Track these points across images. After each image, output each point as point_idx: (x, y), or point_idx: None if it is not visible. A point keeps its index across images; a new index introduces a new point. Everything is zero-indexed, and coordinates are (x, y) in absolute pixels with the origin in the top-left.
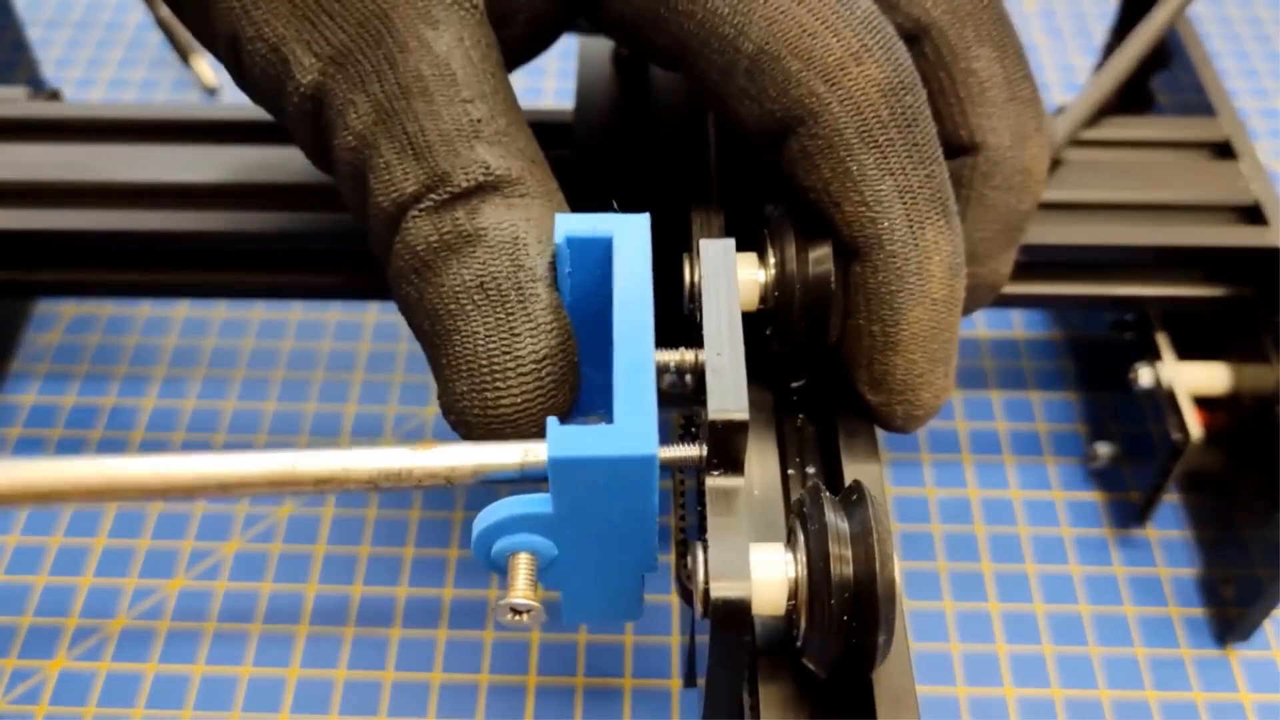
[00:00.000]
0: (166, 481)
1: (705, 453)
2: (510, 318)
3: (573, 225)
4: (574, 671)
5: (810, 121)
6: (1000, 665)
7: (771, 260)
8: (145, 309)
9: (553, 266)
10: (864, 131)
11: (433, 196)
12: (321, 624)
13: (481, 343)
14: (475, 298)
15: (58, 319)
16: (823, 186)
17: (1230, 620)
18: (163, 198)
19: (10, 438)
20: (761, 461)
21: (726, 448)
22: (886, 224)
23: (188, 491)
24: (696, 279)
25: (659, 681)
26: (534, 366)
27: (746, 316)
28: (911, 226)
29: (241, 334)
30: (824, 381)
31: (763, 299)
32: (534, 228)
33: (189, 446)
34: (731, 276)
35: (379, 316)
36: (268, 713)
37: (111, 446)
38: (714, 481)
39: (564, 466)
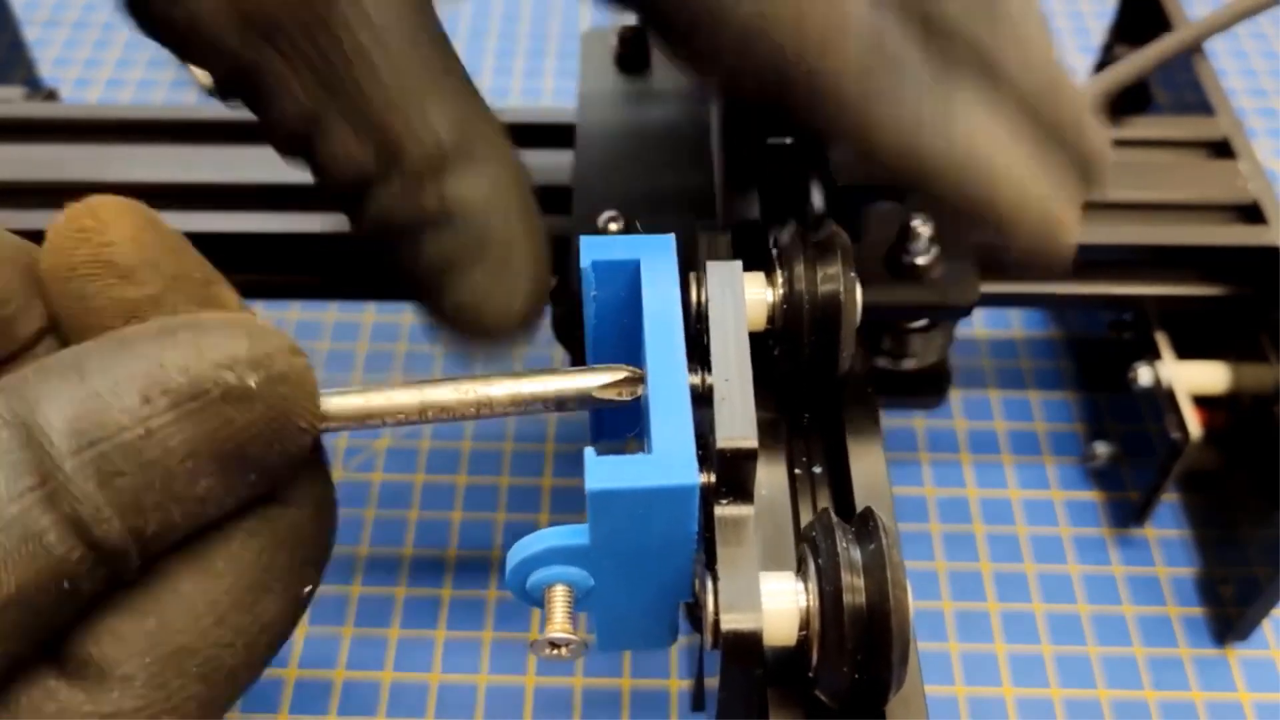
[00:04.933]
0: None
1: (714, 480)
2: (506, 265)
3: (598, 248)
4: (572, 671)
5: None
6: (999, 665)
7: (780, 279)
8: None
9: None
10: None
11: (394, 175)
12: (319, 624)
13: (480, 285)
14: (465, 256)
15: None
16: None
17: (1229, 619)
18: (158, 198)
19: None
20: (768, 463)
21: (736, 476)
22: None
23: None
24: (703, 299)
25: (657, 682)
26: (535, 286)
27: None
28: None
29: None
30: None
31: (770, 319)
32: (501, 191)
33: None
34: (739, 300)
35: (377, 317)
36: (266, 713)
37: None
38: (723, 510)
39: (603, 499)
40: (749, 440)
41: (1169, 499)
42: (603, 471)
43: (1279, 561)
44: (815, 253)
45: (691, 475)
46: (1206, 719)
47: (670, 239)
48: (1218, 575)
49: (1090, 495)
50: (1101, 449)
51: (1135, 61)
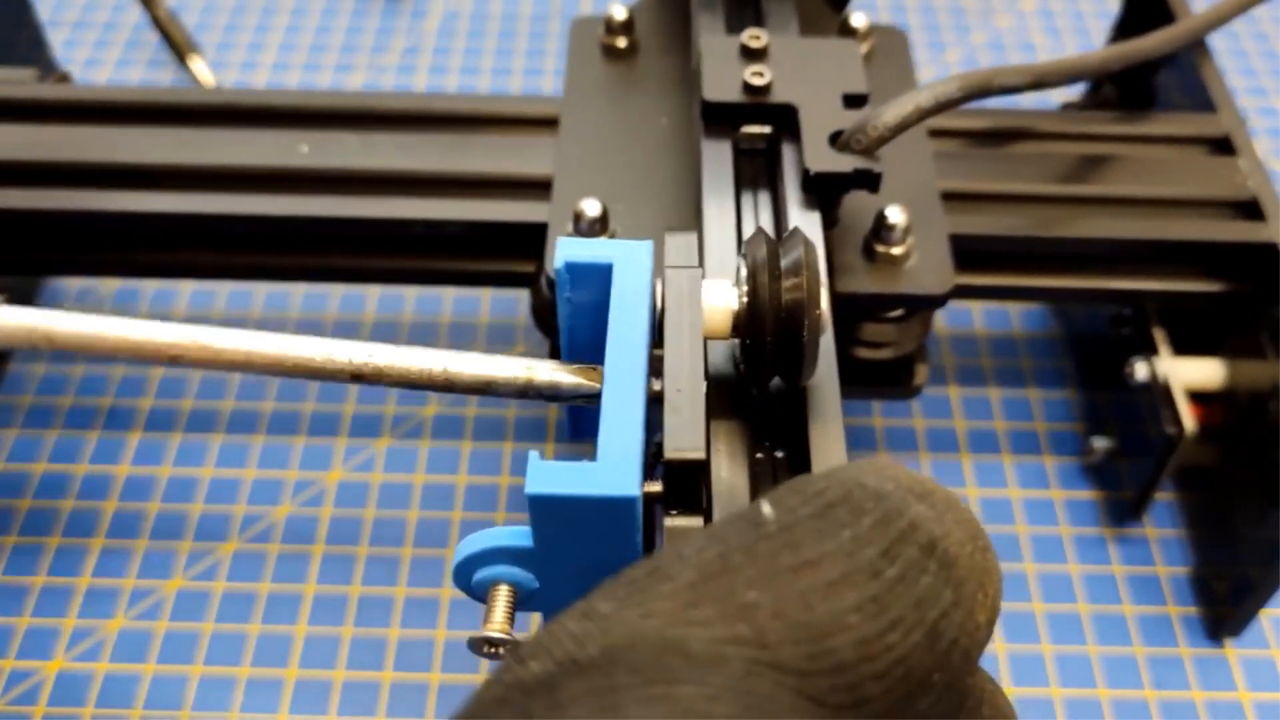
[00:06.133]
0: (214, 353)
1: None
2: None
3: (573, 250)
4: None
5: None
6: (999, 665)
7: (744, 287)
8: (144, 306)
9: None
10: None
11: None
12: (319, 624)
13: None
14: None
15: None
16: None
17: (1223, 616)
18: (167, 179)
19: (8, 438)
20: (729, 448)
21: (684, 487)
22: None
23: (237, 364)
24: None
25: None
26: None
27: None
28: None
29: None
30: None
31: (735, 327)
32: None
33: (187, 444)
34: (696, 308)
35: (377, 316)
36: (266, 713)
37: (108, 446)
38: (672, 522)
39: (543, 504)
40: (697, 451)
41: (1168, 498)
42: (544, 476)
43: (1275, 557)
44: (779, 261)
45: (633, 487)
46: (1206, 718)
47: (648, 245)
48: (1213, 571)
49: (1089, 494)
50: (1099, 443)
51: (1136, 46)
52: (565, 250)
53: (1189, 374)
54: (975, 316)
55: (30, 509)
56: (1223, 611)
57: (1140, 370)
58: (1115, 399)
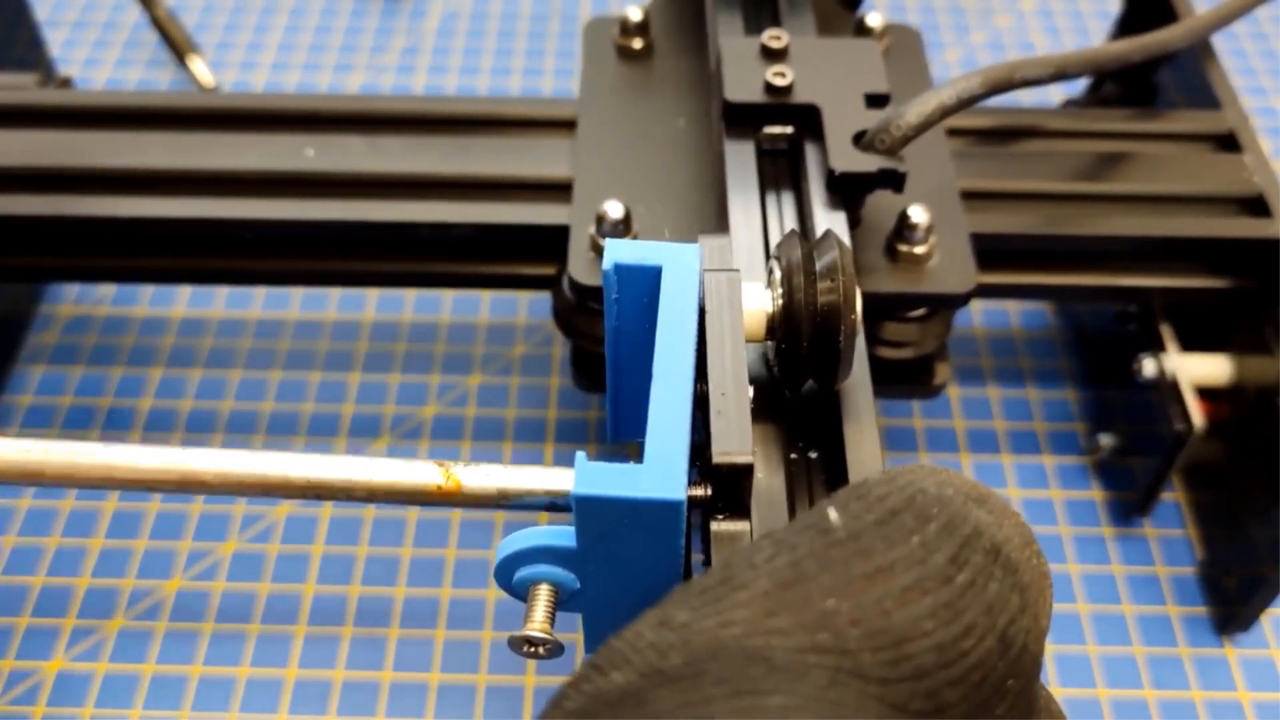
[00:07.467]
0: (184, 475)
1: (710, 493)
2: None
3: (622, 252)
4: (571, 671)
5: None
6: None
7: (779, 289)
8: (142, 309)
9: None
10: None
11: None
12: (319, 624)
13: None
14: None
15: (55, 320)
16: None
17: (1231, 613)
18: (169, 184)
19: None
20: (765, 449)
21: (731, 490)
22: None
23: (220, 488)
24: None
25: None
26: None
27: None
28: None
29: (239, 334)
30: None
31: (769, 330)
32: None
33: (187, 444)
34: (736, 311)
35: (376, 316)
36: (266, 713)
37: None
38: (719, 526)
39: (588, 504)
40: (744, 455)
41: (1169, 498)
42: (591, 477)
43: (1278, 553)
44: (814, 263)
45: (678, 490)
46: (1206, 718)
47: (696, 249)
48: (1220, 568)
49: (1090, 494)
50: (1106, 440)
51: (1158, 38)
52: (614, 252)
53: (1197, 370)
54: (975, 316)
55: (30, 509)
56: (1231, 609)
57: (1148, 367)
58: (1119, 396)
